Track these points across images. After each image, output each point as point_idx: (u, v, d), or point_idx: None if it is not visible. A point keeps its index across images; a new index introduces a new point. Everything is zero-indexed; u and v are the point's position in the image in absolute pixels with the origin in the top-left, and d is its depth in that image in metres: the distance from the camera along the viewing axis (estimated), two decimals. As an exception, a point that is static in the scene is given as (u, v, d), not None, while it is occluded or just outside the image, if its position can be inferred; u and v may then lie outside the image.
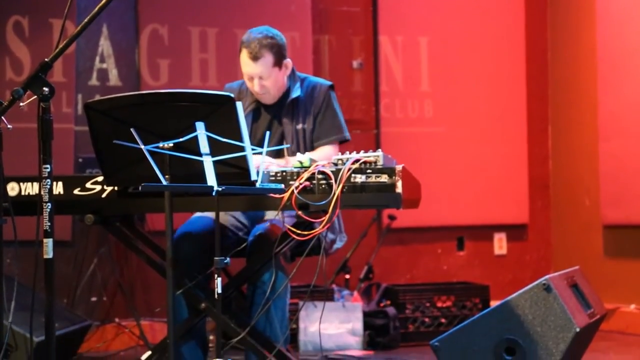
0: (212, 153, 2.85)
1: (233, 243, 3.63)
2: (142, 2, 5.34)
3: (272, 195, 3.02)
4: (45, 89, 2.57)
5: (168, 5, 5.40)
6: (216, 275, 2.82)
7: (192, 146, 2.85)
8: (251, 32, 3.71)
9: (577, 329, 3.17)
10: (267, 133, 3.24)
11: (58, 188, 3.21)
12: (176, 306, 3.39)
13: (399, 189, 2.98)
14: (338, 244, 3.79)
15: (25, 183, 3.27)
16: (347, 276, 5.30)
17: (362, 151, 3.06)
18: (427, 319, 5.16)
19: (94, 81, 5.31)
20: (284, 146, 3.63)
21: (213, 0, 5.46)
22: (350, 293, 5.13)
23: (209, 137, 2.83)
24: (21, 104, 2.59)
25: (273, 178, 3.06)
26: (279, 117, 3.80)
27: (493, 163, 6.00)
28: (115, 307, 5.24)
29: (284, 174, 3.06)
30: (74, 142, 5.13)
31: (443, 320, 5.17)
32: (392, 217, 5.54)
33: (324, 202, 2.99)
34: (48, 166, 2.61)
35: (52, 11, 5.04)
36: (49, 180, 2.61)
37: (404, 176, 3.00)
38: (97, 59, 5.32)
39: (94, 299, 5.24)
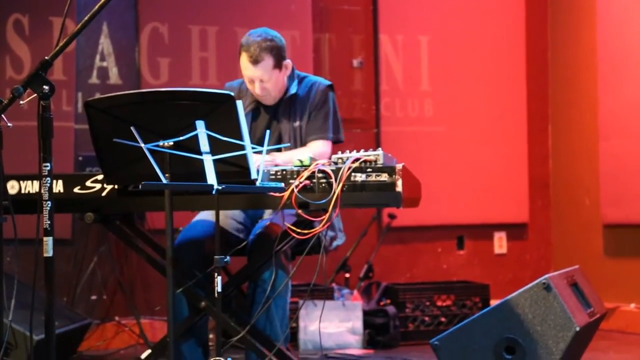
0: (212, 151, 2.85)
1: (234, 246, 3.62)
2: (143, 1, 5.34)
3: (272, 194, 3.02)
4: (46, 87, 2.57)
5: (168, 4, 5.39)
6: (216, 274, 2.82)
7: (192, 145, 2.85)
8: (250, 35, 3.70)
9: (577, 328, 3.17)
10: (267, 132, 3.24)
11: (58, 186, 3.21)
12: (176, 305, 3.39)
13: (399, 187, 2.98)
14: (338, 241, 3.78)
15: (25, 181, 3.27)
16: (347, 275, 5.30)
17: (362, 150, 3.06)
18: (427, 318, 5.16)
19: (94, 79, 5.31)
20: (284, 145, 3.63)
21: (213, -2, 5.48)
22: (350, 292, 5.13)
23: (209, 136, 2.83)
24: (21, 102, 2.59)
25: (273, 177, 3.06)
26: (278, 115, 3.81)
27: (493, 162, 6.00)
28: (115, 306, 5.24)
29: (284, 172, 3.06)
30: (74, 141, 5.13)
31: (443, 319, 5.17)
32: (392, 216, 5.54)
33: (324, 200, 2.99)
34: (48, 164, 2.61)
35: (52, 9, 5.04)
36: (49, 178, 2.61)
37: (404, 175, 3.00)
38: (98, 57, 5.32)
39: (94, 297, 5.24)
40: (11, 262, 4.37)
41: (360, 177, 3.00)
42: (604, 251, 5.70)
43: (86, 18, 2.66)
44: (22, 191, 3.26)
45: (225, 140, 2.84)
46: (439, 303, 5.20)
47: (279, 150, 3.68)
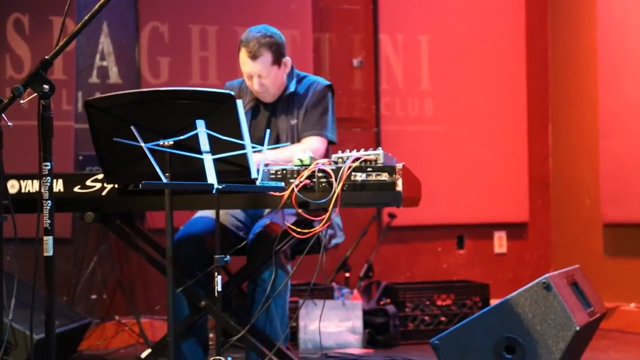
0: (213, 151, 2.85)
1: (234, 243, 3.63)
2: (143, 0, 5.34)
3: (272, 193, 3.02)
4: (46, 86, 2.57)
5: (168, 3, 5.39)
6: (216, 273, 2.82)
7: (193, 144, 2.85)
8: (250, 31, 3.70)
9: (577, 328, 3.17)
10: (267, 131, 3.24)
11: (58, 185, 3.21)
12: (176, 304, 3.39)
13: (399, 187, 2.98)
14: (337, 240, 3.77)
15: (26, 180, 3.27)
16: (347, 274, 5.30)
17: (362, 149, 3.06)
18: (427, 317, 5.16)
19: (94, 79, 5.30)
20: (284, 144, 3.62)
21: (213, -2, 5.48)
22: (350, 291, 5.13)
23: (209, 135, 2.83)
24: (21, 101, 2.59)
25: (273, 176, 3.06)
26: (276, 113, 3.80)
27: (493, 161, 6.00)
28: (115, 305, 5.24)
29: (284, 172, 3.06)
30: (74, 140, 5.12)
31: (443, 319, 5.17)
32: (392, 216, 5.54)
33: (324, 200, 2.99)
34: (48, 164, 2.61)
35: (53, 8, 5.03)
36: (49, 177, 2.61)
37: (404, 174, 3.00)
38: (98, 56, 5.32)
39: (94, 296, 5.24)
40: (11, 261, 4.37)
41: (360, 177, 3.00)
42: (604, 250, 5.70)
43: (86, 17, 2.66)
44: (22, 190, 3.26)
45: (225, 140, 2.84)
46: (439, 302, 5.20)
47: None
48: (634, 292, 5.43)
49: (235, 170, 2.91)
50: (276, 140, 3.73)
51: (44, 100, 2.58)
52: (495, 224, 6.09)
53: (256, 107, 3.83)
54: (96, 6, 2.67)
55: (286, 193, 3.01)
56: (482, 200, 5.96)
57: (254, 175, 2.93)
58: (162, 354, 3.40)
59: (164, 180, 2.86)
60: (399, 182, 2.98)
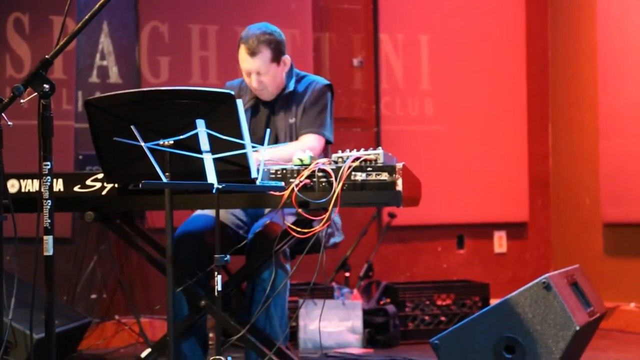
0: (213, 150, 2.85)
1: (233, 241, 3.63)
2: (143, 0, 5.34)
3: (272, 192, 3.02)
4: (46, 86, 2.57)
5: (168, 3, 5.39)
6: (216, 273, 2.82)
7: (193, 144, 2.85)
8: (250, 29, 3.71)
9: (577, 328, 3.17)
10: (268, 131, 3.24)
11: (58, 185, 3.21)
12: (176, 303, 3.39)
13: (399, 186, 2.98)
14: (335, 239, 3.77)
15: (26, 180, 3.27)
16: (347, 274, 5.30)
17: (362, 149, 3.06)
18: (426, 317, 5.16)
19: (94, 78, 5.30)
20: (284, 144, 3.62)
21: (213, -3, 5.48)
22: (350, 291, 5.13)
23: (209, 135, 2.83)
24: (21, 101, 2.59)
25: (273, 176, 3.06)
26: (275, 111, 3.80)
27: (493, 161, 6.00)
28: (115, 305, 5.24)
29: (284, 171, 3.06)
30: (74, 139, 5.12)
31: (443, 319, 5.17)
32: (392, 215, 5.54)
33: (324, 199, 2.99)
34: (48, 163, 2.61)
35: (53, 8, 5.03)
36: (49, 177, 2.61)
37: (404, 174, 3.00)
38: (98, 56, 5.32)
39: (93, 296, 5.24)
40: (11, 260, 4.37)
41: (360, 176, 3.00)
42: (604, 250, 5.70)
43: (86, 17, 2.66)
44: (22, 190, 3.26)
45: (225, 139, 2.84)
46: (439, 302, 5.20)
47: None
48: (634, 292, 5.43)
49: (235, 169, 2.91)
50: (275, 139, 3.74)
51: (44, 99, 2.58)
52: (495, 223, 6.09)
53: (256, 105, 3.83)
54: (96, 6, 2.67)
55: (286, 193, 3.01)
56: (482, 200, 5.96)
57: (254, 174, 2.93)
58: (162, 354, 3.41)
59: (164, 179, 2.86)
60: (399, 182, 2.98)
